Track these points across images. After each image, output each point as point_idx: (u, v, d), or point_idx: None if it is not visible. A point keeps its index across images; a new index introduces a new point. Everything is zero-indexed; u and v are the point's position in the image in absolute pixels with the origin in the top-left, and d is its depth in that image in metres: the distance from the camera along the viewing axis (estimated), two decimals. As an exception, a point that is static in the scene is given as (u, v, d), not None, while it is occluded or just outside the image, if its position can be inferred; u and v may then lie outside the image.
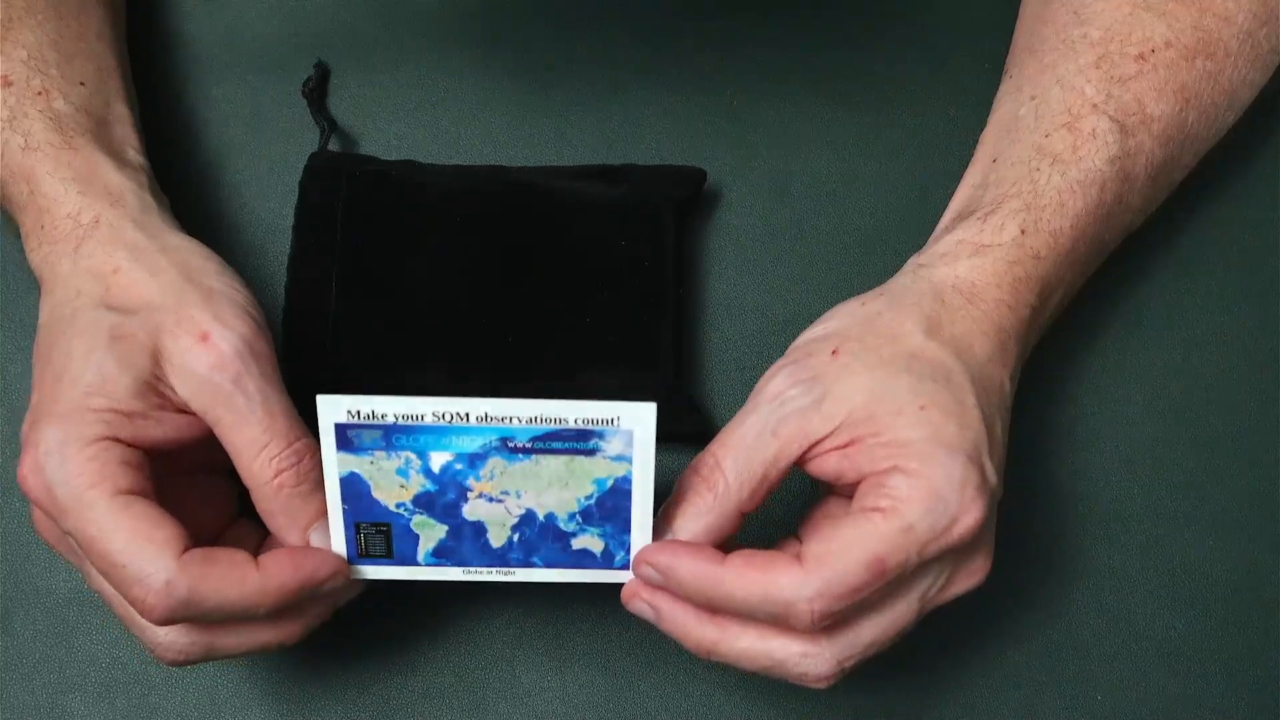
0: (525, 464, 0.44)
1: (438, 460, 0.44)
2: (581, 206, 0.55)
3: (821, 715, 0.52)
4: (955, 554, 0.44)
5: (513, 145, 0.58)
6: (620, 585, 0.46)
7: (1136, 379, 0.56)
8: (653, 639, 0.52)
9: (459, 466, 0.44)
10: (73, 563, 0.45)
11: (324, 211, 0.54)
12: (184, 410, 0.45)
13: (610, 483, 0.44)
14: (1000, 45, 0.57)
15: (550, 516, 0.45)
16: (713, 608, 0.44)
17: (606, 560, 0.46)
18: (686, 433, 0.54)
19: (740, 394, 0.54)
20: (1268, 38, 0.52)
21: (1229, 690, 0.53)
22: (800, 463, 0.45)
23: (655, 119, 0.58)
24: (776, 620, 0.43)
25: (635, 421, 0.43)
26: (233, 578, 0.42)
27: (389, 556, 0.45)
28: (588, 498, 0.45)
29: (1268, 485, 0.55)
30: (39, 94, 0.50)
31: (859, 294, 0.49)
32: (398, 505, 0.44)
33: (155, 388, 0.45)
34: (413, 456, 0.44)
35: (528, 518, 0.45)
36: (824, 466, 0.45)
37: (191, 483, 0.47)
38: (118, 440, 0.43)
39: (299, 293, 0.53)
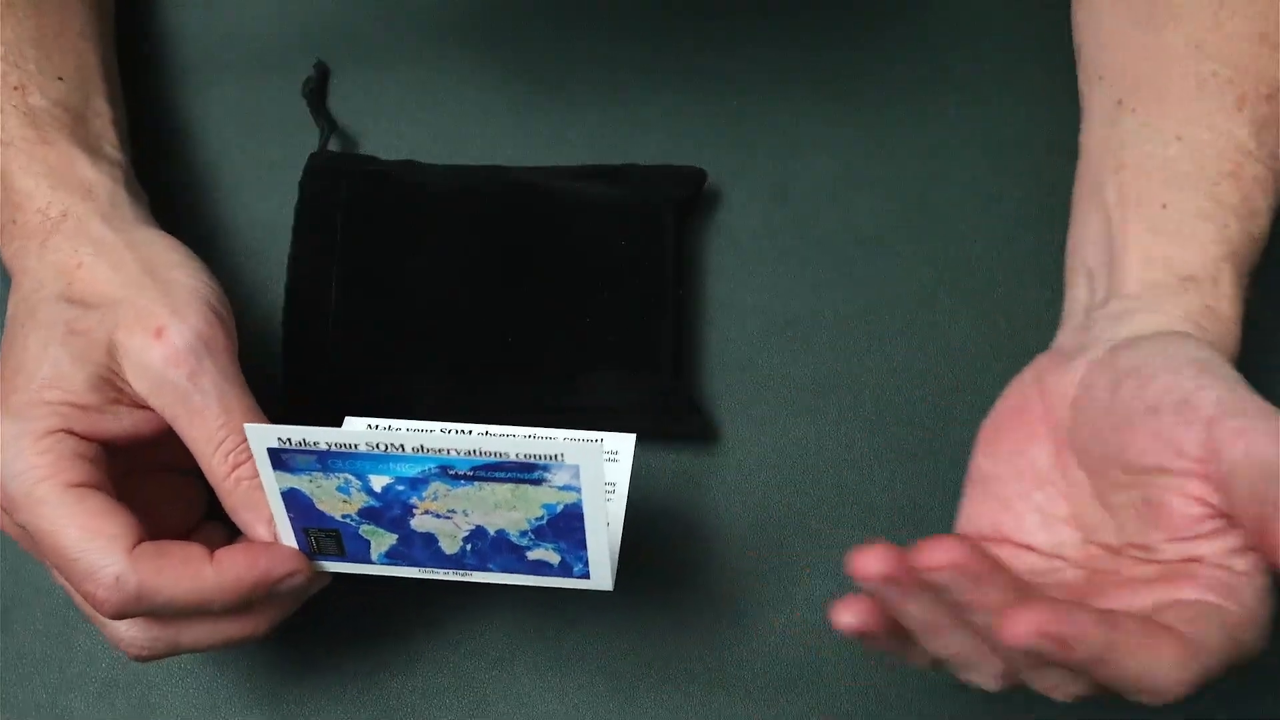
0: (468, 489, 0.43)
1: (378, 482, 0.43)
2: (581, 206, 0.55)
3: (821, 715, 0.52)
4: None
5: (513, 145, 0.58)
6: (583, 591, 0.45)
7: (1136, 379, 0.56)
8: (652, 640, 0.52)
9: (400, 488, 0.43)
10: (41, 561, 0.45)
11: (324, 211, 0.54)
12: (142, 406, 0.45)
13: (560, 507, 0.42)
14: (1000, 45, 0.57)
15: (501, 532, 0.44)
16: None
17: (564, 570, 0.45)
18: (686, 433, 0.54)
19: (740, 394, 0.55)
20: None
21: (1229, 690, 0.53)
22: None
23: (655, 119, 0.58)
24: None
25: (581, 458, 0.41)
26: (186, 573, 0.42)
27: (342, 555, 0.45)
28: (538, 519, 0.43)
29: (1268, 485, 0.55)
30: (15, 89, 0.50)
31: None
32: (344, 516, 0.44)
33: (112, 382, 0.45)
34: (351, 478, 0.43)
35: (478, 532, 0.44)
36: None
37: (159, 482, 0.47)
38: (72, 433, 0.43)
39: (299, 293, 0.53)
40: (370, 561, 0.45)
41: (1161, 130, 0.49)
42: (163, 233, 0.49)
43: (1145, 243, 0.48)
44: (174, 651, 0.45)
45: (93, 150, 0.50)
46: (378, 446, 0.42)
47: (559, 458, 0.41)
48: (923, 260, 0.56)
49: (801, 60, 0.59)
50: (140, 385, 0.45)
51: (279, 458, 0.42)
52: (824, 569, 0.53)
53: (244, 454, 0.45)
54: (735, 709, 0.52)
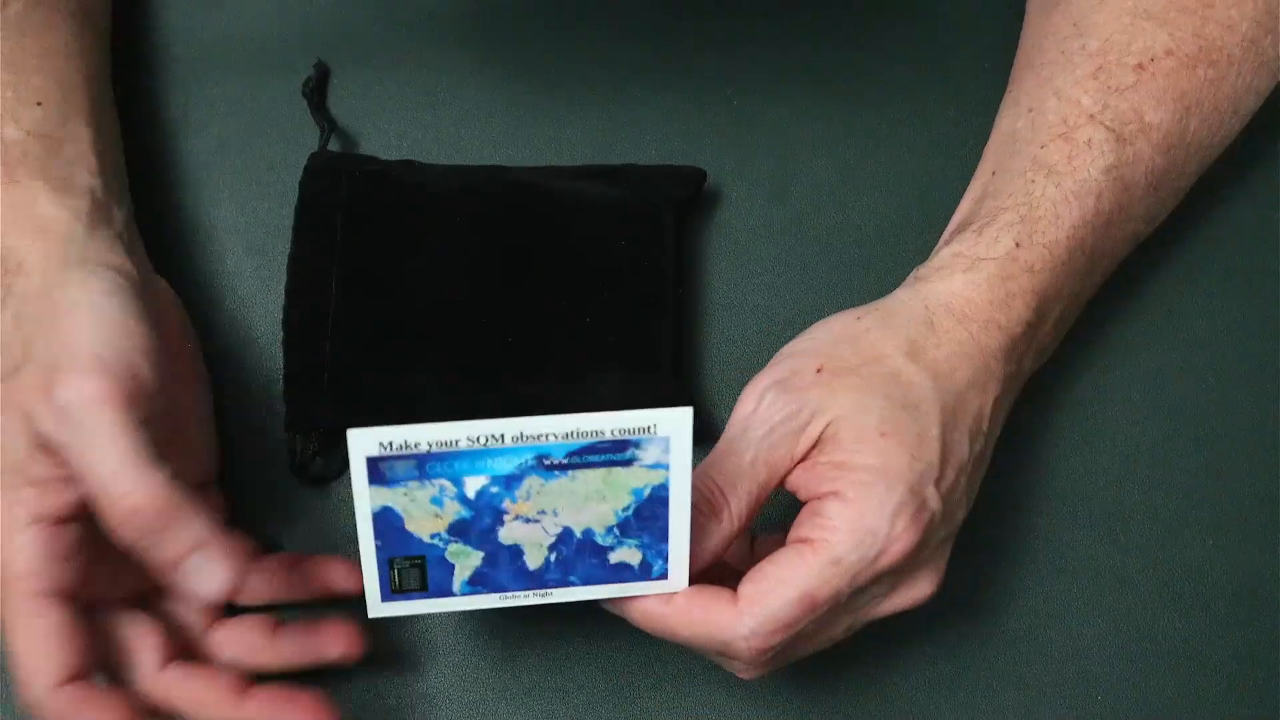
0: (562, 480, 0.43)
1: (473, 485, 0.43)
2: (581, 206, 0.55)
3: (821, 715, 0.52)
4: (893, 575, 0.45)
5: (513, 145, 0.58)
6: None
7: (1137, 379, 0.56)
8: (652, 640, 0.52)
9: (494, 490, 0.43)
10: None
11: (324, 211, 0.54)
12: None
13: (647, 491, 0.44)
14: (1000, 45, 0.57)
15: (588, 533, 0.44)
16: (666, 638, 0.46)
17: (644, 571, 0.45)
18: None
19: (740, 394, 0.55)
20: (1273, 45, 0.52)
21: (1229, 690, 0.53)
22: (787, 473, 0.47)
23: (655, 119, 0.58)
24: (720, 653, 0.46)
25: (672, 427, 0.43)
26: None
27: (423, 589, 0.44)
28: (625, 509, 0.44)
29: (1268, 486, 0.55)
30: None
31: (861, 295, 0.49)
32: (432, 536, 0.43)
33: (46, 448, 0.43)
34: (447, 484, 0.42)
35: (565, 536, 0.44)
36: (790, 480, 0.47)
37: None
38: (45, 522, 0.43)
39: (299, 293, 0.53)
40: (451, 593, 0.44)
41: (1019, 103, 0.53)
42: (105, 272, 0.46)
43: (963, 208, 0.52)
44: None
45: (61, 182, 0.49)
46: (478, 440, 0.42)
47: (651, 430, 0.43)
48: (922, 260, 0.56)
49: (801, 60, 0.59)
50: (59, 439, 0.43)
51: (376, 469, 0.42)
52: (824, 569, 0.53)
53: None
54: (735, 709, 0.52)
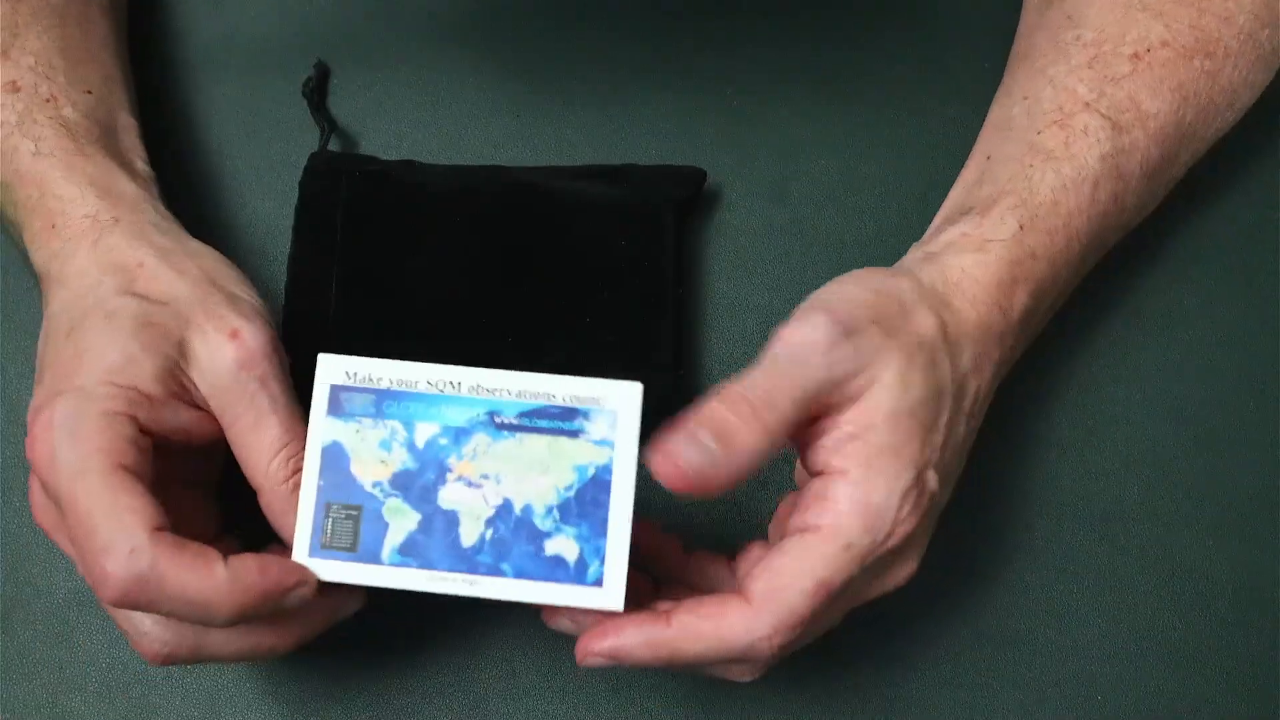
0: (509, 442, 0.44)
1: (423, 433, 0.44)
2: (581, 206, 0.55)
3: (821, 716, 0.52)
4: (892, 556, 0.45)
5: (513, 145, 0.58)
6: (585, 610, 0.45)
7: (1136, 379, 0.56)
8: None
9: (443, 441, 0.44)
10: (66, 552, 0.45)
11: (324, 211, 0.54)
12: (198, 407, 0.45)
13: (591, 471, 0.44)
14: (1000, 45, 0.57)
15: (527, 510, 0.44)
16: (671, 668, 0.44)
17: (579, 571, 0.44)
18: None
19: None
20: (1269, 39, 0.52)
21: (1229, 690, 0.53)
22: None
23: (655, 119, 0.58)
24: (736, 662, 0.44)
25: (620, 401, 0.44)
26: (197, 567, 0.42)
27: (353, 550, 0.44)
28: (567, 488, 0.44)
29: (1268, 485, 0.55)
30: (47, 100, 0.50)
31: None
32: (374, 485, 0.44)
33: (178, 378, 0.44)
34: (398, 427, 0.44)
35: (504, 510, 0.44)
36: (804, 436, 0.45)
37: (179, 495, 0.47)
38: (134, 419, 0.43)
39: (299, 293, 0.53)
40: (379, 561, 0.44)
41: (1013, 92, 0.53)
42: (212, 248, 0.49)
43: (958, 190, 0.52)
44: (196, 658, 0.45)
45: (127, 166, 0.50)
46: (436, 385, 0.44)
47: (599, 402, 0.44)
48: (923, 260, 0.56)
49: (801, 60, 0.59)
50: (207, 385, 0.45)
51: (337, 398, 0.44)
52: (824, 569, 0.53)
53: (300, 461, 0.45)
54: (735, 709, 0.52)
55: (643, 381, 0.53)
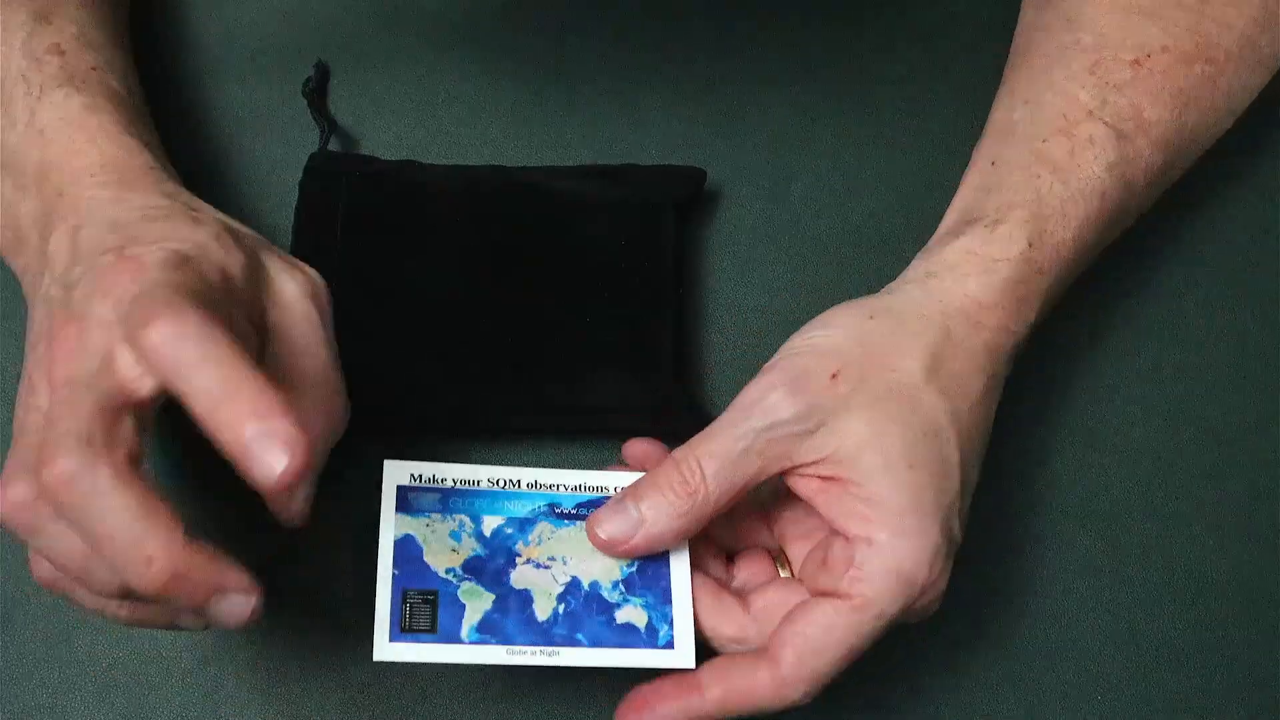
0: (570, 529, 0.47)
1: (490, 524, 0.46)
2: (581, 206, 0.55)
3: (821, 715, 0.52)
4: (919, 610, 0.46)
5: (513, 145, 0.58)
6: (661, 670, 0.46)
7: (1136, 379, 0.56)
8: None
9: (509, 530, 0.46)
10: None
11: (324, 212, 0.54)
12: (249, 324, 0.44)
13: None
14: (1000, 44, 0.57)
15: (594, 585, 0.46)
16: None
17: (650, 636, 0.46)
18: (686, 433, 0.54)
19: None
20: (1269, 43, 0.52)
21: (1229, 690, 0.53)
22: (779, 474, 0.46)
23: (655, 119, 0.59)
24: (767, 711, 0.45)
25: None
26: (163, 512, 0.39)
27: (433, 631, 0.44)
28: (629, 565, 0.46)
29: (1268, 485, 0.55)
30: (93, 69, 0.49)
31: (862, 296, 0.49)
32: (447, 570, 0.45)
33: (255, 285, 0.44)
34: (466, 520, 0.46)
35: (573, 586, 0.46)
36: (801, 487, 0.46)
37: None
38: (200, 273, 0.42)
39: (299, 293, 0.53)
40: (459, 640, 0.44)
41: (1014, 94, 0.53)
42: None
43: (964, 196, 0.51)
44: (70, 591, 0.42)
45: (160, 156, 0.50)
46: (497, 483, 0.47)
47: None
48: (923, 260, 0.56)
49: (801, 60, 0.59)
50: (275, 303, 0.44)
51: (405, 497, 0.45)
52: (824, 569, 0.53)
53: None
54: (735, 709, 0.52)
55: (643, 381, 0.53)
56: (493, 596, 0.45)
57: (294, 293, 0.45)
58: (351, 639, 0.52)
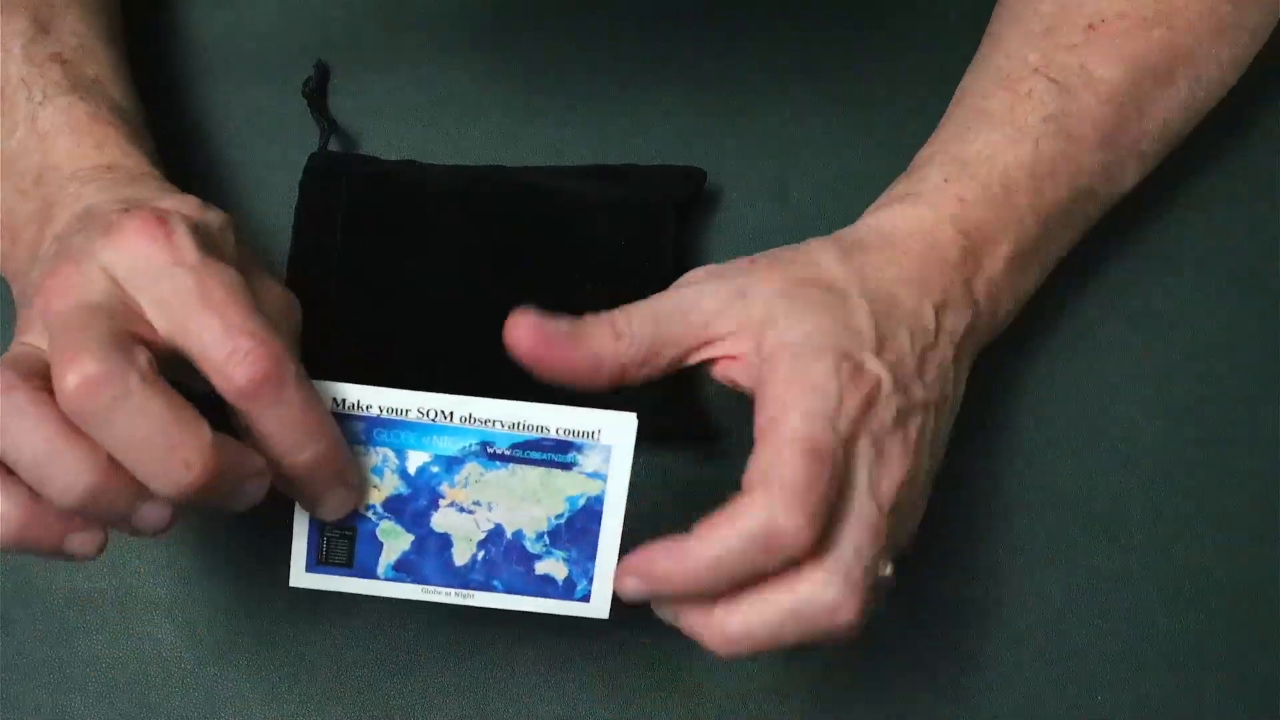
0: (501, 473, 0.44)
1: (415, 460, 0.44)
2: (581, 206, 0.55)
3: (821, 715, 0.52)
4: (872, 436, 0.44)
5: (513, 145, 0.58)
6: (577, 618, 0.45)
7: (1136, 379, 0.56)
8: (652, 640, 0.52)
9: (435, 469, 0.44)
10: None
11: (324, 212, 0.54)
12: None
13: (582, 501, 0.44)
14: (1000, 45, 0.57)
15: (518, 535, 0.45)
16: (709, 584, 0.43)
17: (568, 589, 0.45)
18: (686, 433, 0.54)
19: (740, 394, 0.55)
20: (1233, 12, 0.52)
21: (1229, 690, 0.53)
22: (707, 369, 0.46)
23: (655, 119, 0.58)
24: (771, 558, 0.42)
25: (615, 436, 0.43)
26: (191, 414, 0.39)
27: (349, 565, 0.45)
28: (558, 516, 0.44)
29: (1269, 486, 0.55)
30: (94, 80, 0.49)
31: None
32: (368, 508, 0.44)
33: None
34: (390, 454, 0.44)
35: (495, 534, 0.45)
36: (727, 373, 0.46)
37: None
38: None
39: (299, 292, 0.53)
40: (375, 576, 0.45)
41: (974, 65, 0.54)
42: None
43: (917, 154, 0.52)
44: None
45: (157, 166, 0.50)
46: (428, 414, 0.43)
47: (595, 436, 0.43)
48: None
49: (801, 60, 0.59)
50: (270, 304, 0.44)
51: (361, 431, 0.43)
52: (824, 569, 0.53)
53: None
54: (735, 709, 0.52)
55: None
56: (411, 538, 0.45)
57: (279, 308, 0.45)
58: (353, 639, 0.52)
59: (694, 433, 0.54)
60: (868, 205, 0.58)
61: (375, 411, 0.43)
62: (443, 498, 0.44)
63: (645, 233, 0.55)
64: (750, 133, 0.58)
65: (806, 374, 0.43)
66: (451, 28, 0.59)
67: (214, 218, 0.44)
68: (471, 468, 0.44)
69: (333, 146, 0.57)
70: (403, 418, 0.43)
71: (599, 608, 0.45)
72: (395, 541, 0.45)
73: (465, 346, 0.53)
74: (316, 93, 0.58)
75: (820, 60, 0.59)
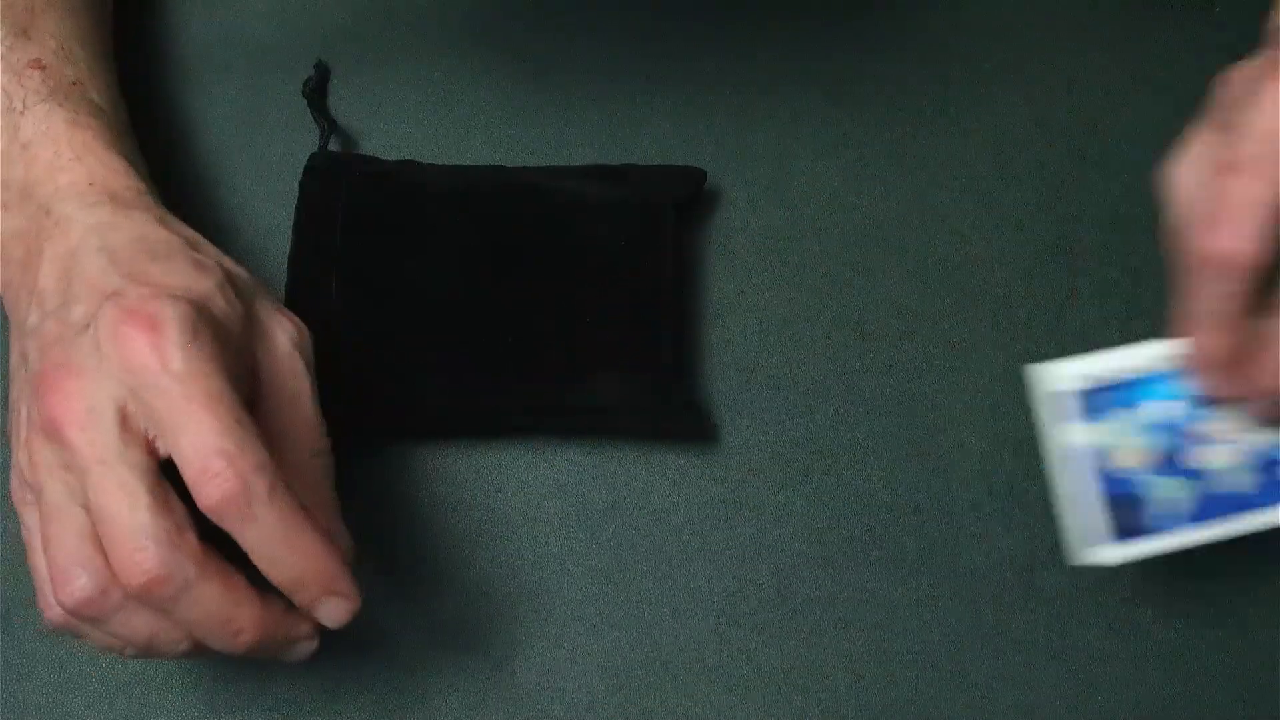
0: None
1: (1156, 410, 0.45)
2: (581, 206, 0.55)
3: (821, 715, 0.52)
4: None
5: (513, 145, 0.58)
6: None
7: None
8: (652, 640, 0.52)
9: (1175, 413, 0.45)
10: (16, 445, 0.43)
11: (324, 212, 0.54)
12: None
13: None
14: (1001, 45, 0.57)
15: (1277, 449, 0.45)
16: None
17: None
18: (686, 433, 0.54)
19: (740, 394, 0.55)
20: None
21: (1229, 690, 0.53)
22: None
23: (655, 119, 0.58)
24: None
25: None
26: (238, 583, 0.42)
27: (1148, 530, 0.46)
28: None
29: (1268, 485, 0.55)
30: (74, 84, 0.49)
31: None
32: (1136, 468, 0.45)
33: (249, 334, 0.44)
34: (1134, 413, 0.45)
35: (1257, 455, 0.45)
36: None
37: None
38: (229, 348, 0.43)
39: (299, 293, 0.53)
40: (1166, 529, 0.46)
41: None
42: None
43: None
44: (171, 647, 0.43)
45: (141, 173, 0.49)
46: (1150, 365, 0.45)
47: None
48: (923, 260, 0.56)
49: (801, 60, 0.59)
50: (265, 351, 0.45)
51: (1090, 403, 0.45)
52: (824, 568, 0.53)
53: (328, 444, 0.46)
54: (735, 709, 0.52)
55: (643, 381, 0.53)
56: (1191, 484, 0.45)
57: (285, 346, 0.45)
58: (352, 639, 0.52)
59: (694, 433, 0.54)
60: (868, 205, 0.58)
61: (1108, 379, 0.45)
62: (1194, 438, 0.45)
63: (645, 233, 0.55)
64: (750, 133, 0.58)
65: None
66: (452, 28, 0.59)
67: (206, 284, 0.44)
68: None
69: (333, 146, 0.57)
70: (1134, 377, 0.45)
71: None
72: (1176, 493, 0.45)
73: (465, 346, 0.53)
74: (316, 93, 0.58)
75: (820, 60, 0.59)
